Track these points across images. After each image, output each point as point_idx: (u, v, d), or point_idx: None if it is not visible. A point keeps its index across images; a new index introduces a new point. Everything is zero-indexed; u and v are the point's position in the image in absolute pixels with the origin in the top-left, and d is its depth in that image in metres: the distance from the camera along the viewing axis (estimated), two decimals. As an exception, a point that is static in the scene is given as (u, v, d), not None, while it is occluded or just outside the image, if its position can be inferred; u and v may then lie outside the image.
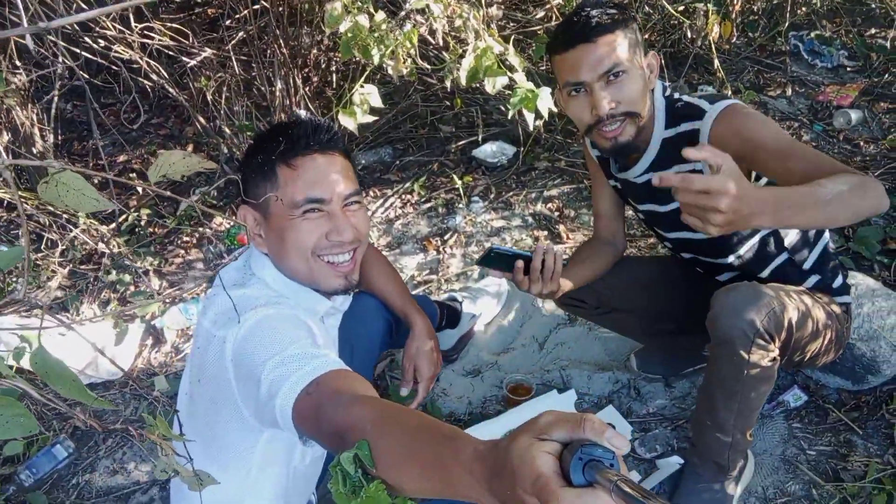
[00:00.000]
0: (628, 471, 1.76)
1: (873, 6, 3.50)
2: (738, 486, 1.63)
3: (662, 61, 3.05)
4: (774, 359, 1.40)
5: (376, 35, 1.90)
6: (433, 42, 2.38)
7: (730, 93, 2.81)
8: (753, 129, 1.37)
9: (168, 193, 0.81)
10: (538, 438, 0.62)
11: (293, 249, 1.28)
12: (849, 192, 1.15)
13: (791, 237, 1.60)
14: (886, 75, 3.04)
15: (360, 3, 1.84)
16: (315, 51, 3.05)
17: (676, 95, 1.53)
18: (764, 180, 1.50)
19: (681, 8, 2.90)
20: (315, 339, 1.19)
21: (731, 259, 1.63)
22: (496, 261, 1.56)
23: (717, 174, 1.08)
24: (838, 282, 1.61)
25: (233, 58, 2.75)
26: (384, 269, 1.73)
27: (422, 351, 1.63)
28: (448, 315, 2.08)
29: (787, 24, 3.25)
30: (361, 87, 1.82)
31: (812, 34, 3.31)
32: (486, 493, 0.66)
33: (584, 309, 1.89)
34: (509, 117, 1.99)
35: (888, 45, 3.15)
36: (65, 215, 2.75)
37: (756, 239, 1.61)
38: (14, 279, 2.59)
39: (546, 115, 1.81)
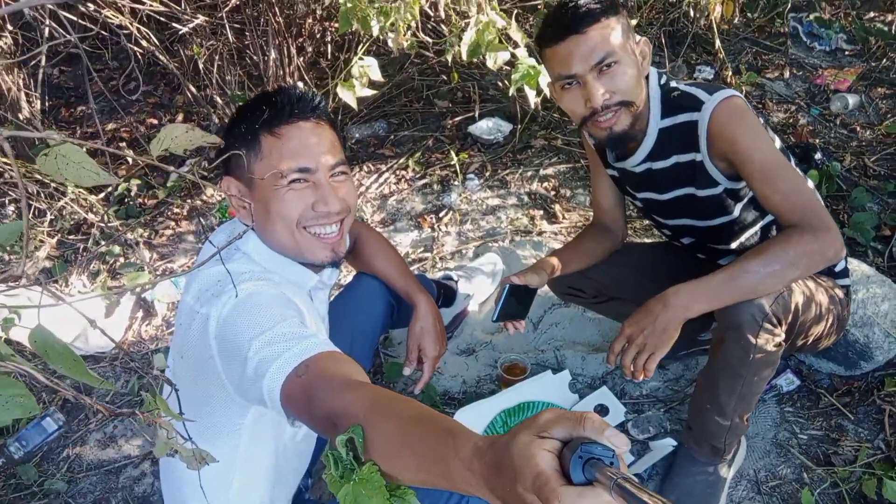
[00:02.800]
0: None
1: (873, -11, 3.48)
2: (731, 469, 1.64)
3: (663, 40, 3.04)
4: (780, 344, 1.41)
5: (376, 6, 1.86)
6: (433, 15, 2.34)
7: (730, 73, 2.79)
8: (744, 142, 1.40)
9: (171, 169, 0.78)
10: (538, 436, 0.61)
11: (278, 221, 1.24)
12: (782, 270, 1.32)
13: None
14: (884, 60, 3.03)
15: (360, -26, 1.80)
16: (310, 20, 2.99)
17: (673, 84, 1.51)
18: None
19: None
20: (303, 318, 1.16)
21: (733, 245, 1.63)
22: (510, 305, 1.62)
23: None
24: (840, 265, 1.61)
25: (226, 25, 2.68)
26: (384, 249, 1.70)
27: (426, 331, 1.61)
28: (444, 294, 2.07)
29: (787, 6, 3.22)
30: (361, 59, 1.78)
31: (811, 16, 3.29)
32: (486, 490, 0.65)
33: (582, 298, 1.89)
34: (510, 94, 1.95)
35: (887, 29, 3.13)
36: (53, 184, 2.70)
37: (758, 227, 1.61)
38: (5, 251, 2.54)
39: (547, 92, 1.79)
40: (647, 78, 1.49)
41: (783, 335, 1.40)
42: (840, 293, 1.57)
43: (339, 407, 0.84)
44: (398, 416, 0.79)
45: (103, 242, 2.71)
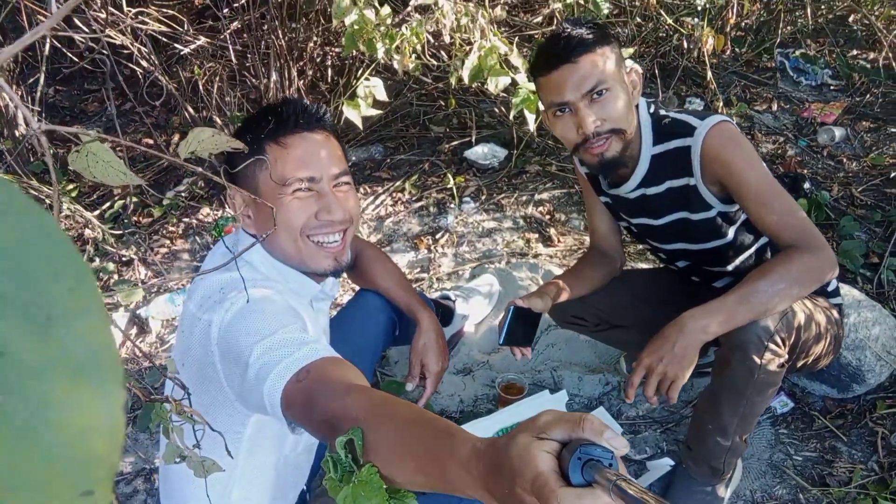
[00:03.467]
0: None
1: (856, 28, 3.60)
2: (728, 490, 1.65)
3: (655, 72, 3.12)
4: (783, 364, 1.42)
5: (382, 29, 1.91)
6: (434, 42, 2.39)
7: (721, 104, 2.86)
8: (739, 165, 1.43)
9: (199, 170, 0.80)
10: (537, 437, 0.61)
11: (282, 229, 1.26)
12: (787, 288, 1.36)
13: None
14: (868, 95, 3.12)
15: (367, -4, 1.85)
16: (311, 44, 3.03)
17: (662, 112, 1.55)
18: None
19: (670, 21, 2.95)
20: (304, 325, 1.17)
21: (729, 268, 1.66)
22: (516, 329, 1.62)
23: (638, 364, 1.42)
24: (832, 284, 1.64)
25: (229, 47, 2.72)
26: (385, 265, 1.72)
27: (429, 346, 1.61)
28: (441, 314, 2.08)
29: (775, 41, 3.32)
30: (367, 79, 1.81)
31: (797, 52, 3.39)
32: (484, 492, 0.65)
33: (584, 326, 1.90)
34: (511, 117, 2.00)
35: (870, 66, 3.23)
36: (48, 200, 2.69)
37: (752, 250, 1.64)
38: None
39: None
40: (637, 107, 1.52)
41: (787, 355, 1.42)
42: (835, 313, 1.60)
43: (339, 410, 0.85)
44: (397, 418, 0.79)
45: (97, 259, 2.70)
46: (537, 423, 0.63)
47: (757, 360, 1.38)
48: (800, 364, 1.54)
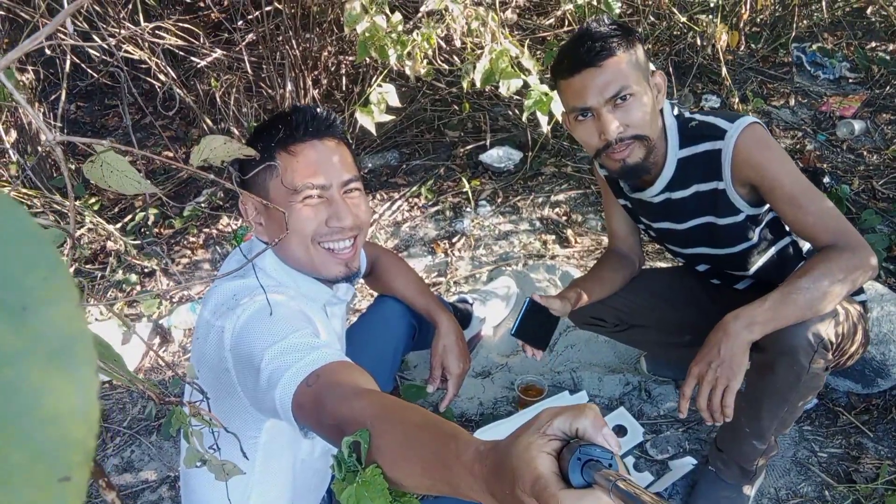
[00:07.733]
0: (640, 472, 1.76)
1: (874, 20, 3.55)
2: (753, 488, 1.64)
3: (670, 70, 3.10)
4: (828, 368, 1.39)
5: (393, 36, 1.92)
6: (446, 47, 2.40)
7: (737, 101, 2.84)
8: (773, 168, 1.40)
9: (211, 177, 0.81)
10: (540, 433, 0.61)
11: (293, 236, 1.27)
12: (830, 286, 1.31)
13: (808, 245, 1.61)
14: (888, 87, 3.08)
15: (378, 3, 1.86)
16: (325, 53, 3.06)
17: (687, 114, 1.51)
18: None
19: (683, 19, 2.94)
20: (316, 330, 1.18)
21: (751, 271, 1.63)
22: (530, 323, 1.61)
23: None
24: None
25: (245, 58, 2.75)
26: (403, 270, 1.72)
27: (449, 348, 1.61)
28: (460, 317, 2.08)
29: (791, 36, 3.29)
30: (379, 86, 1.83)
31: (814, 46, 3.36)
32: (487, 494, 0.66)
33: (603, 327, 1.88)
34: (524, 119, 2.00)
35: (889, 57, 3.19)
36: (69, 214, 2.74)
37: (773, 251, 1.61)
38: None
39: (559, 118, 1.83)
40: (661, 111, 1.49)
41: (833, 358, 1.39)
42: (862, 309, 1.57)
43: (348, 415, 0.85)
44: (404, 422, 0.80)
45: (119, 271, 2.74)
46: (538, 420, 0.63)
47: (805, 364, 1.34)
48: (836, 364, 1.51)
